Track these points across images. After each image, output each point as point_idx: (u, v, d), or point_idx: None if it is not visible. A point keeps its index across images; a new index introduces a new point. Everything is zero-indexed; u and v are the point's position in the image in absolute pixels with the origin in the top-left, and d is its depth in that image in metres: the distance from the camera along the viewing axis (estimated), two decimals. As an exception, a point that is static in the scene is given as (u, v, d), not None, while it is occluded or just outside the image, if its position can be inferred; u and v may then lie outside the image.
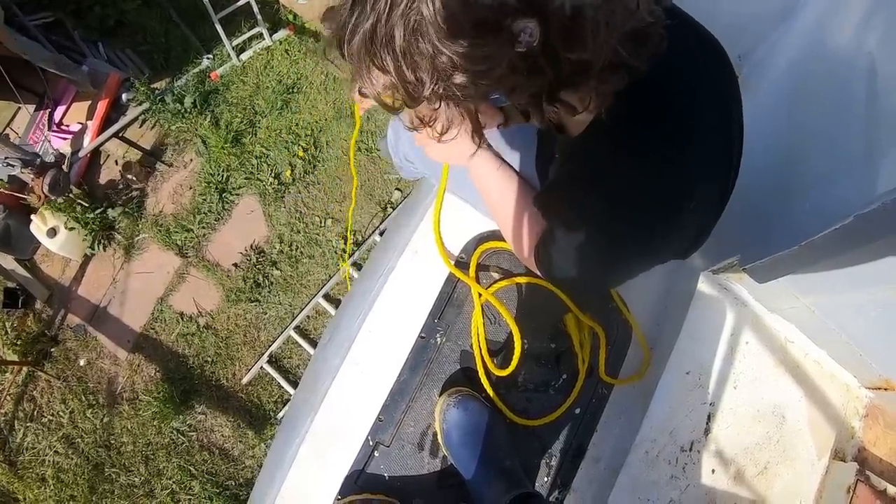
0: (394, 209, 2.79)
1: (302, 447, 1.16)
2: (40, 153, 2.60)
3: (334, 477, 1.12)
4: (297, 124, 3.02)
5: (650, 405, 1.10)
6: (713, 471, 1.11)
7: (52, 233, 2.76)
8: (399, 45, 0.50)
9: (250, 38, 3.10)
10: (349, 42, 0.53)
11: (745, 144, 1.38)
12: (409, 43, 0.49)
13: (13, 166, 2.26)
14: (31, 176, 2.39)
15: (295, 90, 3.07)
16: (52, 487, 2.67)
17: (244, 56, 3.09)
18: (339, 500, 1.09)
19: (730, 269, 1.13)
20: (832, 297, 1.04)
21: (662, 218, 0.71)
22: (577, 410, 1.14)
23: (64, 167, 2.58)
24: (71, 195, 2.80)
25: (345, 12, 0.52)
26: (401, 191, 2.86)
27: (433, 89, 0.52)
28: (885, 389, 1.14)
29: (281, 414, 2.58)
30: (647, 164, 0.67)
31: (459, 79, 0.51)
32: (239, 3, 2.89)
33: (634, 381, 1.16)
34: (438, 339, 1.15)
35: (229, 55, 3.04)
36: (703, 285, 1.18)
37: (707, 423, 1.13)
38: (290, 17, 3.19)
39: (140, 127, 3.07)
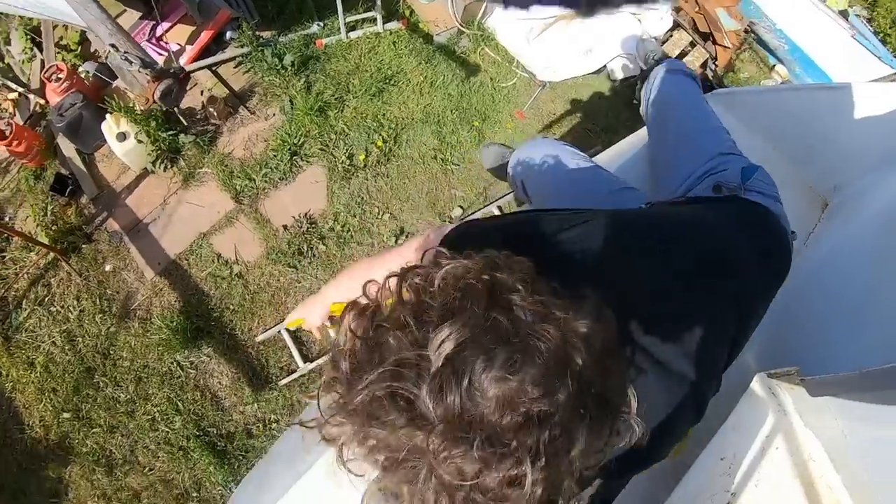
0: (451, 222, 2.84)
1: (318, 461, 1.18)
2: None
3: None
4: (383, 114, 3.09)
5: (683, 478, 1.16)
6: (724, 557, 1.15)
7: (122, 137, 2.77)
8: None
9: (363, 20, 3.20)
10: None
11: (827, 265, 1.46)
12: None
13: (132, 62, 2.25)
14: (147, 78, 2.39)
15: (391, 82, 3.16)
16: (38, 374, 2.66)
17: (353, 34, 3.18)
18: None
19: (786, 378, 1.20)
20: (867, 427, 1.10)
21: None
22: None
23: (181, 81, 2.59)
24: (153, 109, 2.85)
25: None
26: (462, 209, 2.93)
27: None
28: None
29: (283, 381, 2.59)
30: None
31: None
32: (364, -17, 3.01)
33: (675, 457, 1.22)
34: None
35: (339, 29, 3.13)
36: (756, 384, 1.25)
37: (726, 512, 1.18)
38: (407, 12, 3.30)
39: (235, 68, 3.15)
